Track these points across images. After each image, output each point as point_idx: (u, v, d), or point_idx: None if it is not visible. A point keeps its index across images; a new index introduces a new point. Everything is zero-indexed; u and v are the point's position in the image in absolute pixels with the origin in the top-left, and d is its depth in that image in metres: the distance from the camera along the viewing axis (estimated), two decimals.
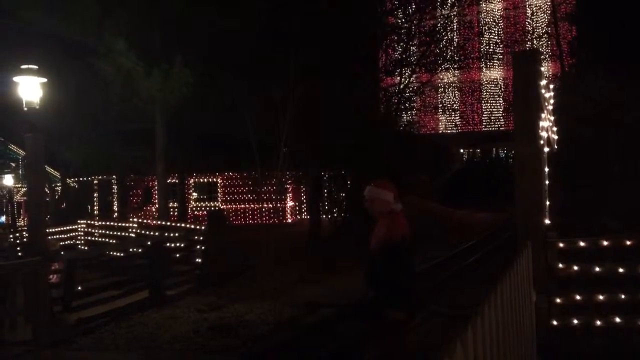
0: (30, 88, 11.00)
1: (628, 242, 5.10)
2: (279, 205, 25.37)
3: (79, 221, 21.07)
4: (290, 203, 26.58)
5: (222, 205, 26.80)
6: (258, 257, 14.31)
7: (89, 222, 20.95)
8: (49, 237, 16.88)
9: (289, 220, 25.80)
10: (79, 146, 21.88)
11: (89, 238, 19.64)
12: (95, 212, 27.76)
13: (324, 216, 21.32)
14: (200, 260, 12.25)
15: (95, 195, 28.47)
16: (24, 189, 29.61)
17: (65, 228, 20.60)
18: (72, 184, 30.04)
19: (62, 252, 11.27)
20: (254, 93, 19.42)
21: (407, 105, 26.41)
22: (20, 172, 31.79)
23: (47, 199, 25.54)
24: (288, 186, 26.09)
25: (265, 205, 25.51)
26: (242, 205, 26.66)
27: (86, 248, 18.81)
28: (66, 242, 19.37)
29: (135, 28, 16.41)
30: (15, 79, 11.12)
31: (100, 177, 27.97)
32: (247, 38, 17.59)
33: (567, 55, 27.53)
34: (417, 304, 4.94)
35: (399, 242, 4.26)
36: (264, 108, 20.08)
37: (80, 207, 28.05)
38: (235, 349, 7.44)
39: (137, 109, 17.53)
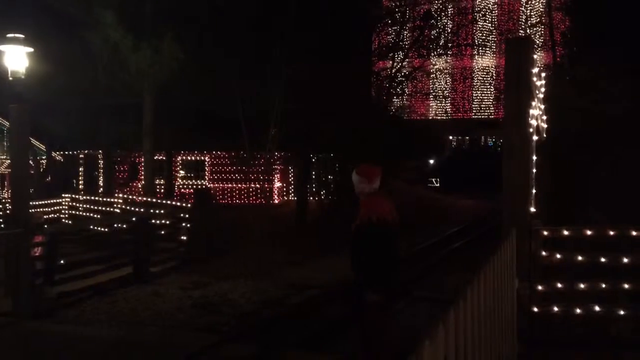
0: (16, 57, 10.82)
1: (611, 233, 5.15)
2: (266, 185, 25.31)
3: (63, 195, 20.86)
4: (277, 184, 26.53)
5: (209, 183, 26.68)
6: (244, 237, 14.32)
7: (73, 196, 20.75)
8: (33, 210, 16.73)
9: (276, 201, 25.78)
10: (65, 118, 21.58)
11: (73, 212, 19.49)
12: (80, 187, 27.52)
13: (311, 198, 21.31)
14: (185, 238, 12.21)
15: (80, 169, 28.19)
16: (8, 161, 29.23)
17: (49, 202, 20.40)
18: (57, 158, 29.70)
19: (45, 226, 11.15)
20: (246, 72, 19.24)
21: (398, 90, 26.35)
22: (5, 143, 31.33)
23: (32, 172, 25.24)
24: (276, 167, 26.02)
25: (252, 185, 25.45)
26: (229, 185, 26.55)
27: (70, 222, 18.68)
28: (50, 216, 19.20)
29: (125, 1, 16.15)
30: (1, 47, 10.90)
31: (86, 152, 27.69)
32: (239, 17, 17.38)
33: (560, 45, 27.51)
34: (398, 287, 4.95)
35: (368, 223, 4.26)
36: (254, 88, 19.94)
37: (66, 181, 27.77)
38: (218, 326, 7.45)
39: (126, 83, 17.32)
